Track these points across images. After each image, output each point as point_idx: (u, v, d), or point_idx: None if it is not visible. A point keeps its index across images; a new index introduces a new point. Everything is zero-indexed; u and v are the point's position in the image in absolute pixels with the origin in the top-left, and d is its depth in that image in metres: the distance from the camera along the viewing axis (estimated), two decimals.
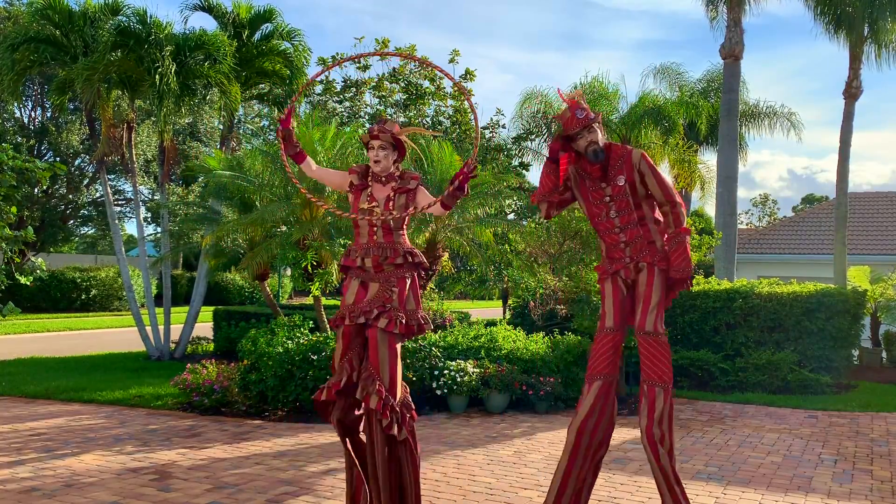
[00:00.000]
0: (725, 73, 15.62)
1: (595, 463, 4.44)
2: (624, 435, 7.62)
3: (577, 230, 10.74)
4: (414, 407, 4.60)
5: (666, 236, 4.39)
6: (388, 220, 4.45)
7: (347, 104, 18.91)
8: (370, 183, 4.58)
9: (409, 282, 4.54)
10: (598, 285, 4.73)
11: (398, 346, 4.47)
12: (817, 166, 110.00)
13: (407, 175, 4.65)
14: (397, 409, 4.36)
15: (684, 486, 4.20)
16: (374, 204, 4.52)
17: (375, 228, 4.51)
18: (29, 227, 10.76)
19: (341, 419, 4.51)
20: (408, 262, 4.52)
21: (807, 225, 22.58)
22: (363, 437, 4.53)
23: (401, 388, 4.50)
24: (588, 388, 4.34)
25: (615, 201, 4.36)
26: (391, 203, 4.52)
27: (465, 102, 19.01)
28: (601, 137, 4.34)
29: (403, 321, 4.43)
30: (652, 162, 4.38)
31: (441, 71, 4.95)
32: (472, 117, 4.75)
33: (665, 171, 18.32)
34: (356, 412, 4.58)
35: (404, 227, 4.61)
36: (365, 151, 4.61)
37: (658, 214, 4.44)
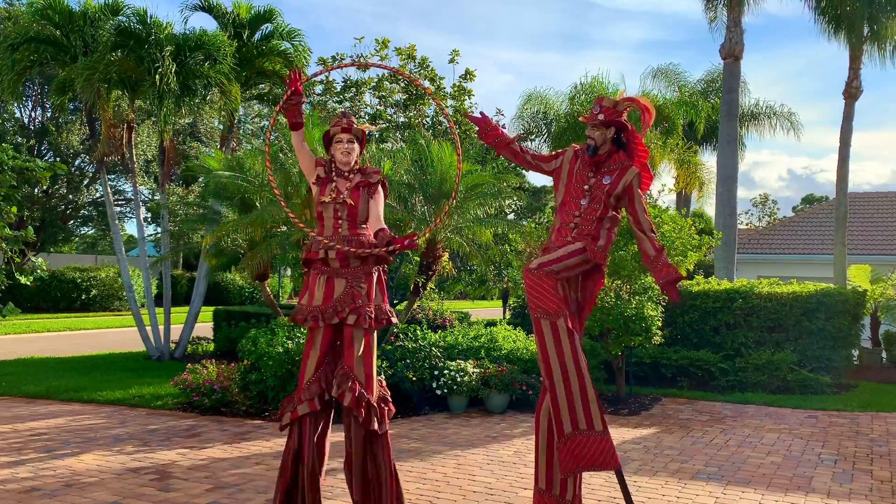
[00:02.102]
0: (725, 73, 15.62)
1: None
2: (624, 435, 7.63)
3: None
4: (391, 401, 4.66)
5: (651, 259, 4.59)
6: (347, 208, 4.48)
7: (347, 104, 18.91)
8: (334, 178, 4.57)
9: (375, 277, 4.57)
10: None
11: (372, 340, 4.51)
12: (817, 166, 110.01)
13: (368, 169, 4.67)
14: (374, 404, 4.42)
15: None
16: (338, 197, 4.51)
17: (340, 221, 4.50)
18: (29, 227, 10.78)
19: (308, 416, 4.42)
20: (371, 257, 4.52)
21: (807, 225, 22.57)
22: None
23: (377, 384, 4.55)
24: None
25: (591, 193, 4.58)
26: (357, 196, 4.54)
27: (466, 103, 19.00)
28: (599, 136, 4.59)
29: (373, 317, 4.47)
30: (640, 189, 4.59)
31: (414, 80, 5.07)
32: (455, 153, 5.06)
33: (665, 171, 18.35)
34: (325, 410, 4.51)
35: (368, 221, 4.61)
36: (322, 147, 4.59)
37: (610, 226, 4.61)
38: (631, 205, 4.60)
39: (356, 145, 4.61)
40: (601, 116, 4.57)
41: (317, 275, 4.50)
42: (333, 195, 4.51)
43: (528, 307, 4.58)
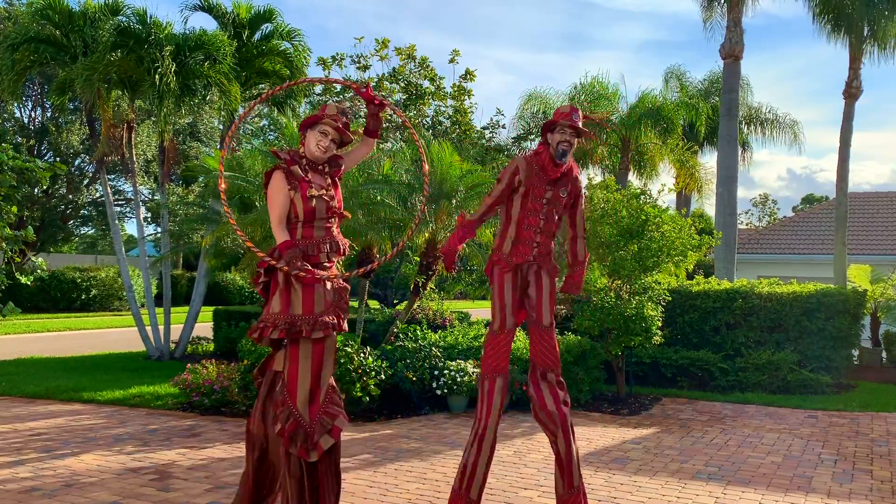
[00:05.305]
0: (725, 73, 15.63)
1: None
2: (624, 435, 7.63)
3: None
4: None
5: (574, 260, 4.75)
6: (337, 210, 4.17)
7: (347, 104, 18.89)
8: (308, 170, 4.14)
9: None
10: (558, 281, 4.80)
11: None
12: (817, 166, 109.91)
13: (334, 158, 4.31)
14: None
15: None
16: (322, 192, 4.11)
17: (331, 222, 4.15)
18: (29, 227, 10.79)
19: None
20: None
21: (807, 225, 22.57)
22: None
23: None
24: (492, 385, 4.46)
25: (550, 206, 4.51)
26: (338, 193, 4.25)
27: (466, 103, 19.02)
28: (574, 146, 4.54)
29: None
30: None
31: (359, 91, 4.65)
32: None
33: (665, 171, 18.37)
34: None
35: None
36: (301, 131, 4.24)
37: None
38: (576, 209, 4.68)
39: (335, 147, 4.26)
40: (580, 123, 4.49)
41: (316, 278, 4.01)
42: (322, 192, 4.10)
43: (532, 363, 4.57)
